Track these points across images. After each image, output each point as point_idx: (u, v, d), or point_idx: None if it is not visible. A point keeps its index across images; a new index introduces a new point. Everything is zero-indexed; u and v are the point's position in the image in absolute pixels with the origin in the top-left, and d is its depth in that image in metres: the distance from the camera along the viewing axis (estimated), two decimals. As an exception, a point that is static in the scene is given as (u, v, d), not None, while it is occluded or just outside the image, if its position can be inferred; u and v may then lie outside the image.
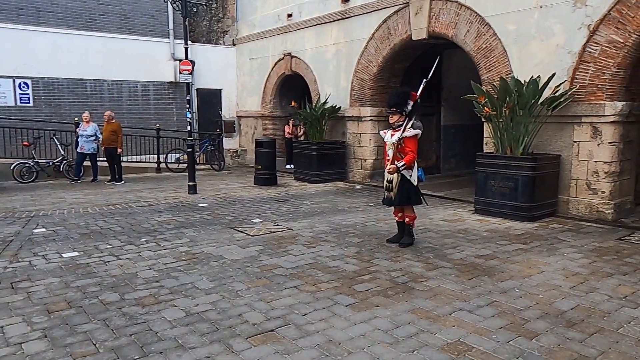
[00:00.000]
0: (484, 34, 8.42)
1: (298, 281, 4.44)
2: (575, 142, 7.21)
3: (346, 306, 3.84)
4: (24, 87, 12.19)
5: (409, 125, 5.34)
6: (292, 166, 12.96)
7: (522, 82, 7.23)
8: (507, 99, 7.17)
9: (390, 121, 5.54)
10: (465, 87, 8.26)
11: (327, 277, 4.53)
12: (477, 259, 5.12)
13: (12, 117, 11.81)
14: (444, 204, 8.55)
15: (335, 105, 11.63)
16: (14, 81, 12.07)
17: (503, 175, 7.16)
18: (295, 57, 13.31)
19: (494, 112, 7.33)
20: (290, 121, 13.93)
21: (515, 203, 7.02)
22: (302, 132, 13.92)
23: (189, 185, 9.75)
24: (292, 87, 14.42)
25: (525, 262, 5.01)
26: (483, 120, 8.04)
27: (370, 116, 11.17)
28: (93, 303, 3.95)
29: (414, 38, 9.76)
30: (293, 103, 12.77)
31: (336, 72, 12.00)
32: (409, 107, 5.35)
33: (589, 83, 7.04)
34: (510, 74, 7.93)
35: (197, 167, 10.32)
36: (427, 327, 3.44)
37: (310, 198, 9.27)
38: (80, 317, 3.66)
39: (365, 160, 11.42)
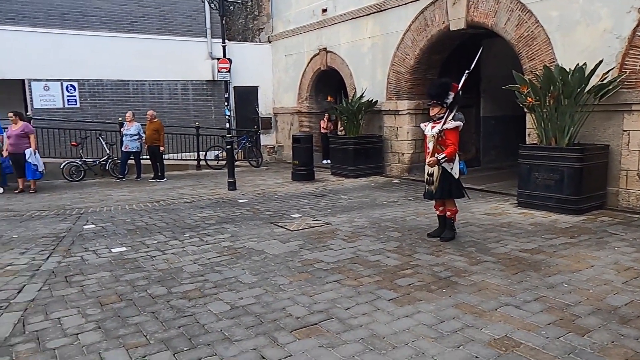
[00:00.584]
0: (526, 22, 8.16)
1: (339, 275, 4.46)
2: (625, 131, 6.90)
3: (389, 300, 3.83)
4: (71, 89, 12.70)
5: (450, 117, 5.25)
6: (329, 161, 12.97)
7: (567, 70, 6.97)
8: (552, 88, 6.93)
9: (431, 113, 5.47)
10: (506, 77, 8.04)
11: (369, 272, 4.53)
12: (522, 253, 4.99)
13: (61, 119, 12.32)
14: (485, 197, 8.37)
15: (372, 99, 11.56)
16: (61, 84, 12.59)
17: (548, 166, 6.93)
18: (330, 52, 13.29)
19: (537, 102, 7.10)
20: (326, 116, 13.94)
21: (561, 195, 6.79)
22: (341, 127, 13.92)
23: (228, 181, 9.92)
24: (327, 82, 14.42)
25: (573, 257, 4.84)
26: (525, 110, 7.81)
27: (407, 109, 11.04)
28: (142, 296, 4.09)
29: (451, 28, 9.57)
30: (329, 98, 12.76)
31: (372, 65, 11.91)
32: (450, 99, 5.25)
33: (640, 69, 6.72)
34: (554, 62, 7.65)
35: (235, 163, 10.49)
36: (472, 322, 3.39)
37: (348, 193, 9.26)
38: (131, 310, 3.79)
39: (403, 154, 11.31)
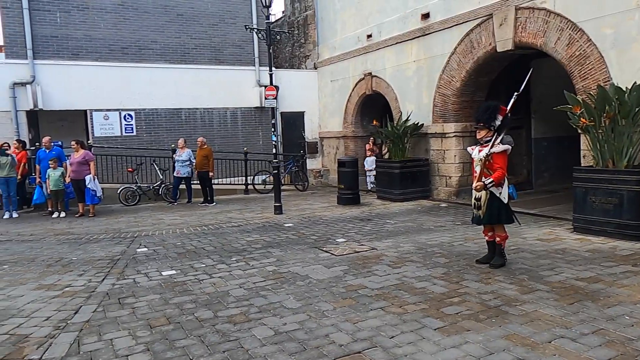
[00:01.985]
0: (577, 41, 7.92)
1: (384, 302, 4.38)
2: (690, 151, 6.48)
3: (435, 329, 3.72)
4: (128, 118, 13.43)
5: (498, 140, 5.13)
6: (375, 185, 12.92)
7: (624, 89, 6.67)
8: (607, 108, 6.64)
9: (478, 137, 5.36)
10: (557, 96, 7.78)
11: (414, 299, 4.43)
12: (579, 282, 4.73)
13: (119, 146, 13.01)
14: (538, 222, 8.04)
15: (418, 122, 11.49)
16: (120, 113, 13.34)
17: (605, 190, 6.60)
18: (375, 76, 13.38)
19: (592, 123, 6.82)
20: (371, 139, 13.95)
21: (620, 220, 6.42)
22: (385, 150, 13.89)
23: (275, 205, 10.06)
24: (372, 106, 14.49)
25: (635, 286, 4.54)
26: (579, 131, 7.51)
27: (454, 132, 10.88)
28: (189, 319, 4.18)
29: (498, 50, 9.43)
30: (375, 122, 12.81)
31: (417, 89, 11.88)
32: (498, 122, 5.14)
33: None
34: (608, 81, 7.36)
35: (282, 187, 10.66)
36: (524, 355, 3.23)
37: (394, 217, 9.16)
38: (179, 333, 3.88)
39: (450, 177, 11.10)
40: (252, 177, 14.01)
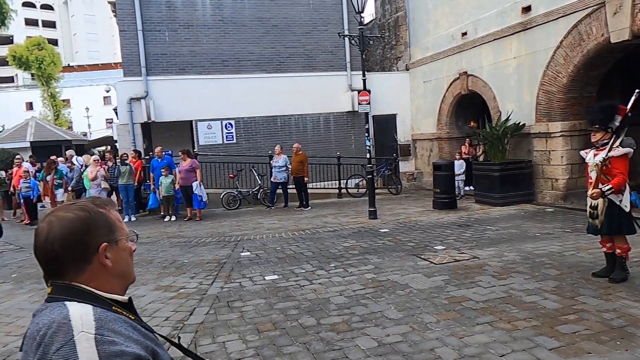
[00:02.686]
0: None
1: (491, 317, 4.21)
2: None
3: (550, 350, 3.50)
4: (228, 126, 14.22)
5: (617, 143, 4.70)
6: (472, 188, 12.44)
7: None
8: None
9: (593, 139, 4.96)
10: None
11: (524, 314, 4.20)
12: None
13: (220, 153, 13.81)
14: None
15: (519, 122, 10.88)
16: (221, 122, 14.16)
17: None
18: (471, 75, 12.88)
19: None
20: (467, 141, 13.44)
21: None
22: (480, 151, 13.33)
23: (369, 210, 10.07)
24: (468, 107, 13.97)
25: None
26: None
27: (560, 131, 10.14)
28: (294, 326, 4.32)
29: (612, 41, 8.63)
30: (472, 123, 12.32)
31: (518, 87, 11.24)
32: (617, 123, 4.71)
33: None
34: None
35: (375, 191, 10.63)
36: (657, 385, 2.93)
37: (495, 223, 8.75)
38: (285, 339, 4.04)
39: (556, 180, 10.36)
40: (345, 181, 14.14)
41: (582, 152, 5.23)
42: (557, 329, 3.84)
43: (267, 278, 5.98)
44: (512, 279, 5.27)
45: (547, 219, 8.87)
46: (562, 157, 10.22)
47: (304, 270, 6.22)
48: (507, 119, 11.06)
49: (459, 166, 12.36)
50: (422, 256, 6.57)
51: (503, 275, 5.43)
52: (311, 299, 5.07)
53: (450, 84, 13.87)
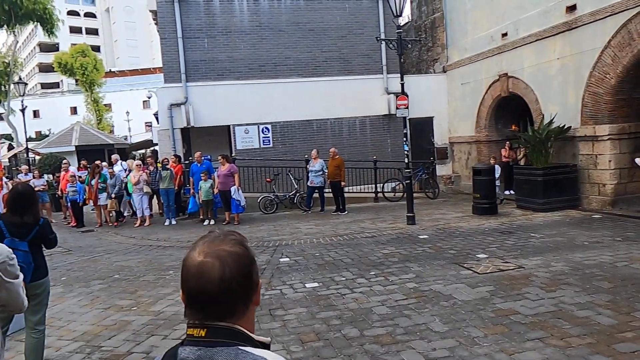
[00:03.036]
0: None
1: (541, 332, 4.07)
2: None
3: (607, 370, 3.35)
4: (265, 131, 14.35)
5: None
6: (512, 192, 12.12)
7: None
8: None
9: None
10: None
11: (577, 331, 4.04)
12: None
13: (257, 158, 13.95)
14: None
15: (563, 125, 10.53)
16: (258, 127, 14.31)
17: None
18: (512, 77, 12.56)
19: None
20: (507, 144, 13.09)
21: None
22: (521, 155, 12.97)
23: (407, 215, 9.94)
24: (508, 109, 13.64)
25: None
26: None
27: (608, 134, 9.75)
28: (337, 337, 4.30)
29: (666, 40, 8.24)
30: (513, 127, 12.00)
31: (562, 88, 10.88)
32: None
33: None
34: None
35: (413, 195, 10.49)
36: None
37: (539, 230, 8.48)
38: (329, 351, 4.02)
39: (604, 185, 9.96)
40: (381, 184, 14.03)
41: (637, 160, 5.00)
42: (614, 348, 3.68)
43: (307, 285, 5.98)
44: (562, 291, 5.08)
45: (594, 226, 8.53)
46: (610, 161, 9.81)
47: (344, 278, 6.20)
48: (550, 122, 10.72)
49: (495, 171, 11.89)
50: (465, 265, 6.43)
51: (552, 287, 5.24)
52: (353, 308, 5.04)
53: (490, 86, 13.56)
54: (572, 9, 10.35)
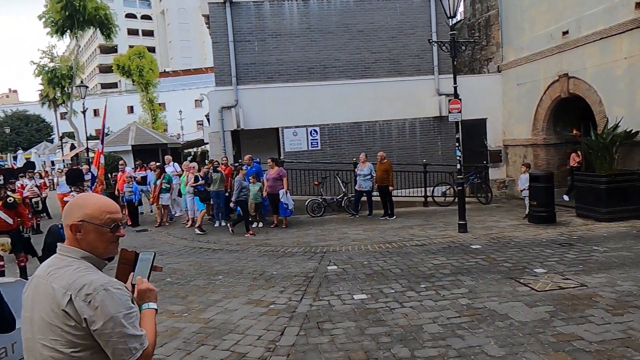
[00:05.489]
0: None
1: (608, 363, 3.79)
2: None
3: (686, 414, 3.06)
4: (313, 133, 14.34)
5: None
6: (567, 198, 11.50)
7: None
8: None
9: None
10: None
11: (650, 364, 3.73)
12: None
13: (305, 160, 13.96)
14: None
15: (630, 130, 9.87)
16: (306, 129, 14.32)
17: None
18: (573, 77, 11.91)
19: None
20: (578, 150, 12.28)
21: None
22: (577, 161, 12.26)
23: (459, 223, 9.63)
24: (568, 111, 12.95)
25: None
26: None
27: (682, 140, 9.05)
28: (387, 356, 4.18)
29: None
30: (575, 132, 11.36)
31: (629, 90, 10.19)
32: None
33: None
34: None
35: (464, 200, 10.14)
36: None
37: (603, 242, 7.97)
38: (379, 371, 3.91)
39: (676, 194, 9.26)
40: (431, 189, 13.70)
41: None
42: (694, 387, 3.36)
43: (355, 297, 5.88)
44: (631, 315, 4.72)
45: (665, 240, 7.94)
46: (683, 169, 9.11)
47: (393, 291, 6.05)
48: (615, 126, 10.08)
49: (525, 181, 10.73)
50: (521, 280, 6.12)
51: (618, 310, 4.89)
52: (403, 325, 4.89)
53: (548, 87, 12.93)
54: (641, 5, 9.67)
